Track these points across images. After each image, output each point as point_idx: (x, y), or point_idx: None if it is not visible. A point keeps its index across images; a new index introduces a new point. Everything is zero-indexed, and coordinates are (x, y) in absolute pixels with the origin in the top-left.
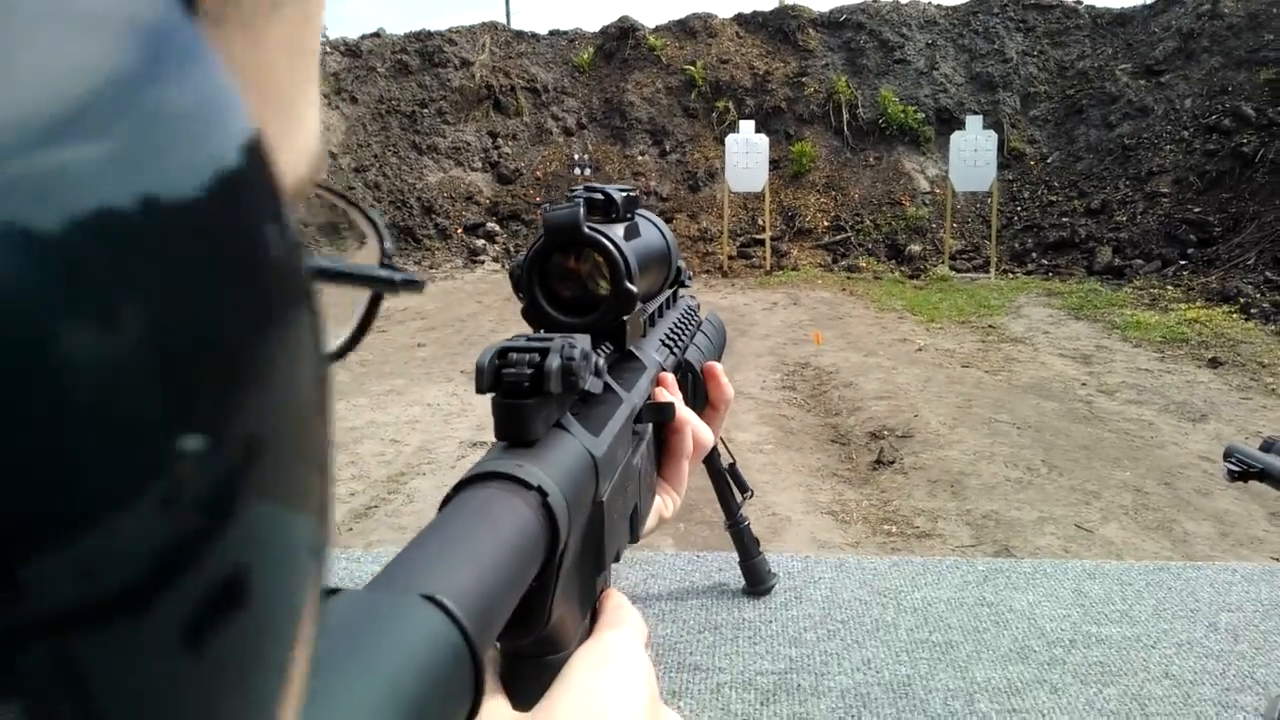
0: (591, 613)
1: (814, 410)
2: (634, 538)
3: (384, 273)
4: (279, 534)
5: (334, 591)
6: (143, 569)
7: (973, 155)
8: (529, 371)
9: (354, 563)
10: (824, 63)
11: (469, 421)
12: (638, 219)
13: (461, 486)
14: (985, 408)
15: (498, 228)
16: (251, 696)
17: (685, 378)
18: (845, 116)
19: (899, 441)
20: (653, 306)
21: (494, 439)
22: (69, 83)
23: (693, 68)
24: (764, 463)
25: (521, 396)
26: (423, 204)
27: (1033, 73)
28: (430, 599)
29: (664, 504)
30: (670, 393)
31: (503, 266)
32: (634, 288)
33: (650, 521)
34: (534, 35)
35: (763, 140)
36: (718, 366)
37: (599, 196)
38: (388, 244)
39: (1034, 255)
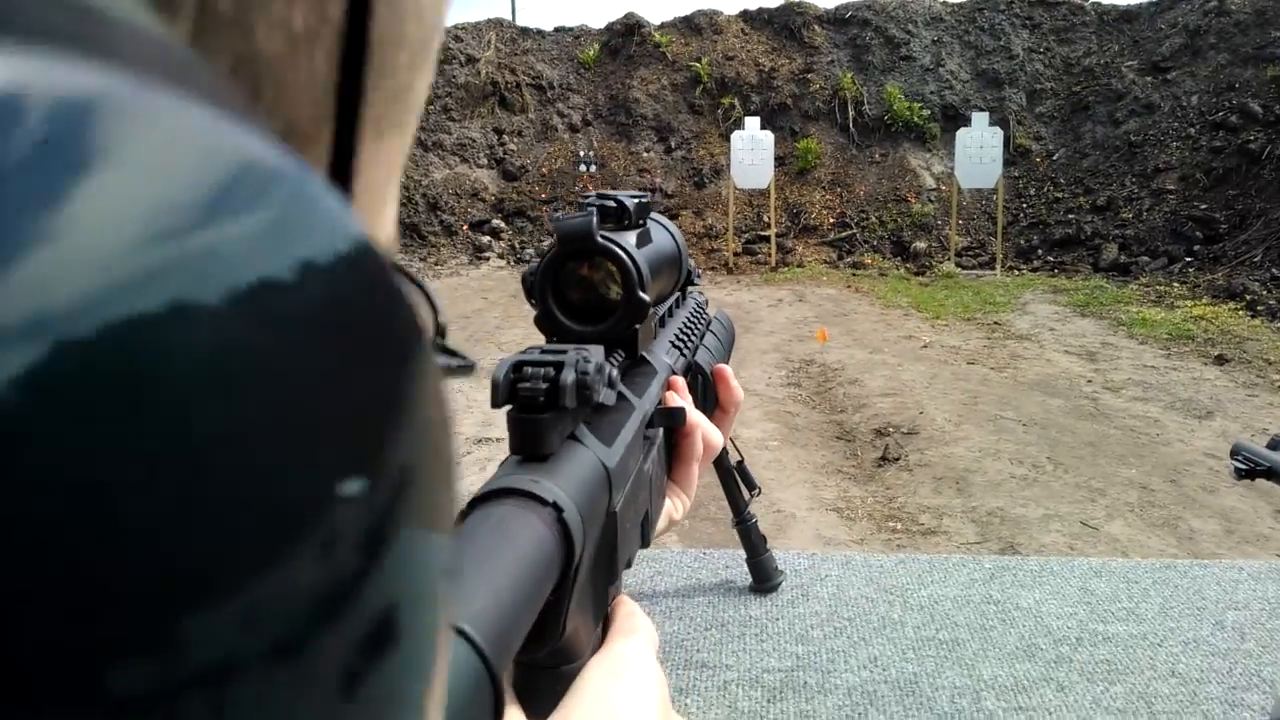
0: (604, 620)
1: (819, 407)
2: (645, 543)
3: (440, 359)
4: (421, 559)
5: None
6: (303, 615)
7: (978, 152)
8: (544, 386)
9: None
10: (829, 59)
11: (474, 418)
12: (649, 224)
13: (477, 503)
14: (990, 404)
15: (503, 224)
16: None
17: (695, 380)
18: (851, 113)
19: (904, 438)
20: (663, 308)
21: (508, 453)
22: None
23: (698, 64)
24: (769, 459)
25: (536, 411)
26: (428, 200)
27: (1039, 69)
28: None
29: (674, 507)
30: (681, 397)
31: (508, 263)
32: (646, 296)
33: (660, 524)
34: (539, 32)
35: (768, 137)
36: (728, 369)
37: (611, 204)
38: (442, 318)
39: (1039, 252)
